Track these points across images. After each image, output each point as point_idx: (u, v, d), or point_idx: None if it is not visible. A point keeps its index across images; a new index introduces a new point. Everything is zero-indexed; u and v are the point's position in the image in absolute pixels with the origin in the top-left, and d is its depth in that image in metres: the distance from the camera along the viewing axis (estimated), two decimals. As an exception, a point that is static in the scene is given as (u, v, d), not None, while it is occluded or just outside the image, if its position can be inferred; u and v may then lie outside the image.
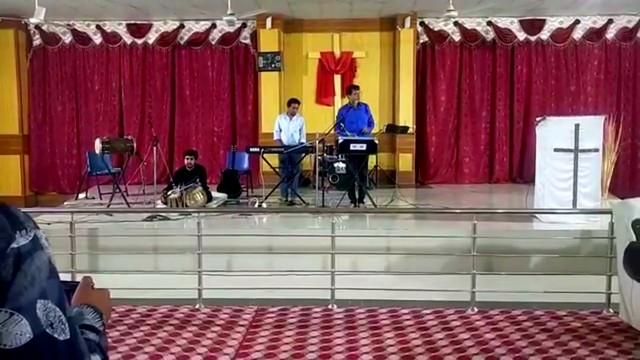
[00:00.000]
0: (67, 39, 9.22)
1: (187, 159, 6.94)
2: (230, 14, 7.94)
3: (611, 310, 4.09)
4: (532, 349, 3.49)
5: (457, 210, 5.74)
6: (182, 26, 9.15)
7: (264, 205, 6.63)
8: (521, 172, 9.13)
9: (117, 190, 6.82)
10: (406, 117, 8.86)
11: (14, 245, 0.72)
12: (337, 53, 9.16)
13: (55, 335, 0.73)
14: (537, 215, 5.84)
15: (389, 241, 5.25)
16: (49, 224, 5.64)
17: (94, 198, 7.55)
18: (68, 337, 0.75)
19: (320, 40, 9.17)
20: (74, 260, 4.40)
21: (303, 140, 7.27)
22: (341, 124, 6.86)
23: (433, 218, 6.09)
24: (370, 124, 6.93)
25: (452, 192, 8.21)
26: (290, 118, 7.44)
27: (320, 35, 9.16)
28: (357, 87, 7.08)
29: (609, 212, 4.24)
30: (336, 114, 7.62)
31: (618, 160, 7.81)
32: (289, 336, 3.72)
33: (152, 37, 9.21)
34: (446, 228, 5.44)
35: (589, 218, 5.43)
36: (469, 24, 9.09)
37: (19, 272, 0.72)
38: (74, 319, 0.87)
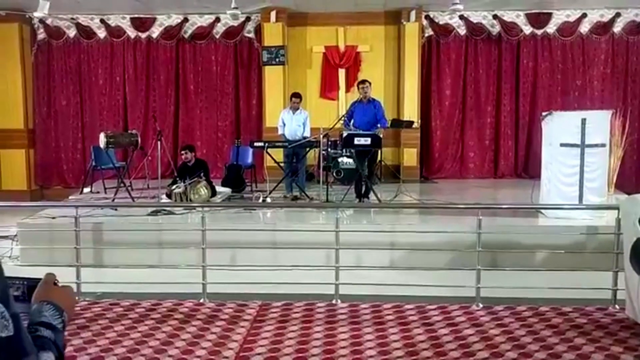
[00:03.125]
0: (72, 33, 9.21)
1: (183, 154, 6.92)
2: (235, 8, 7.91)
3: (617, 306, 4.07)
4: (537, 345, 3.47)
5: (462, 206, 5.71)
6: (186, 20, 9.13)
7: (268, 200, 6.62)
8: (526, 167, 9.08)
9: (122, 185, 6.82)
10: (411, 111, 8.82)
11: None
12: (342, 47, 9.11)
13: None
14: (542, 210, 5.81)
15: (393, 236, 5.24)
16: (53, 218, 5.67)
17: (98, 192, 7.57)
18: (11, 333, 0.74)
19: (324, 34, 9.12)
20: (78, 255, 4.41)
21: (307, 134, 7.25)
22: (349, 120, 6.82)
23: (438, 213, 6.07)
24: (381, 121, 6.79)
25: (457, 187, 8.18)
26: (294, 112, 7.41)
27: (325, 29, 9.11)
28: (364, 82, 7.03)
29: (616, 207, 4.21)
30: (347, 108, 7.57)
31: (624, 156, 7.74)
32: (293, 331, 3.72)
33: (156, 31, 9.18)
34: (451, 223, 5.42)
35: (594, 214, 5.40)
36: (474, 17, 9.02)
37: None
38: (32, 315, 0.88)
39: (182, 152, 6.98)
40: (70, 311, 0.97)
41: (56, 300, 0.96)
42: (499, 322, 3.85)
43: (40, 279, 1.02)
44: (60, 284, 1.02)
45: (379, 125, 6.77)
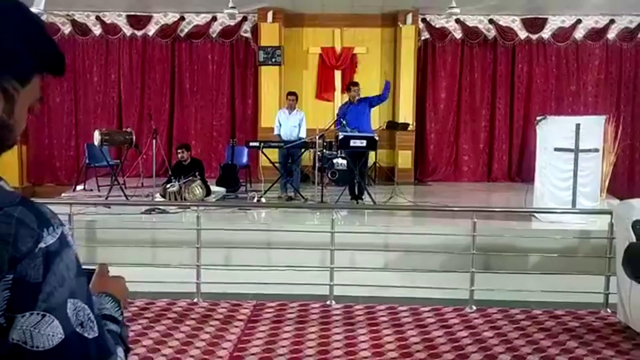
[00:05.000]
0: (67, 29, 9.15)
1: (179, 152, 6.91)
2: (232, 7, 7.90)
3: (609, 310, 4.11)
4: (530, 347, 3.49)
5: (457, 208, 5.73)
6: (182, 19, 9.10)
7: (263, 200, 6.61)
8: (520, 171, 9.14)
9: (116, 183, 6.79)
10: (406, 114, 8.85)
11: (42, 244, 0.70)
12: (338, 48, 9.13)
13: (85, 334, 0.72)
14: (535, 214, 5.85)
15: (387, 238, 5.25)
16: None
17: (92, 190, 7.52)
18: (96, 334, 0.74)
19: (321, 35, 9.13)
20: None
21: (303, 135, 7.25)
22: (342, 120, 6.84)
23: (432, 215, 6.09)
24: (384, 94, 6.98)
25: (451, 190, 8.21)
26: (290, 112, 7.41)
27: (321, 30, 9.12)
28: (356, 84, 7.06)
29: (609, 212, 4.24)
30: (336, 111, 7.60)
31: (617, 161, 7.82)
32: (287, 331, 3.72)
33: (152, 29, 9.15)
34: (445, 226, 5.44)
35: (587, 218, 5.44)
36: (470, 21, 9.07)
37: (49, 273, 0.70)
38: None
39: (179, 150, 6.96)
40: (125, 303, 0.96)
41: (113, 292, 0.95)
42: (492, 324, 3.88)
43: (91, 269, 0.99)
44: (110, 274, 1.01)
45: (383, 96, 6.96)
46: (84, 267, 0.98)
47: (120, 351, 0.82)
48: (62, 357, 0.70)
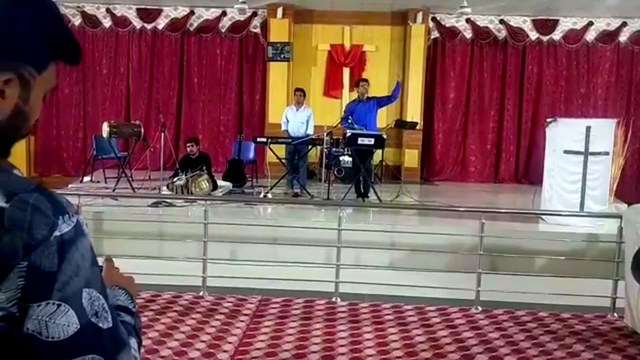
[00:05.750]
0: (77, 21, 9.16)
1: (189, 146, 6.92)
2: (242, 2, 7.90)
3: (616, 314, 4.08)
4: (536, 350, 3.48)
5: (464, 209, 5.71)
6: (192, 12, 9.09)
7: (269, 195, 6.61)
8: (527, 172, 9.09)
9: (123, 175, 6.80)
10: (414, 113, 8.81)
11: (57, 232, 0.69)
12: (347, 46, 9.10)
13: (100, 324, 0.71)
14: (543, 216, 5.82)
15: (393, 237, 5.23)
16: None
17: (99, 182, 7.55)
18: (111, 325, 0.73)
19: (330, 32, 9.10)
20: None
21: (310, 132, 7.24)
22: (349, 117, 6.83)
23: (438, 215, 6.07)
24: (394, 93, 6.97)
25: (457, 190, 8.18)
26: (297, 109, 7.40)
27: (331, 27, 9.09)
28: (365, 80, 7.05)
29: (619, 216, 4.22)
30: (344, 107, 7.60)
31: (625, 165, 7.77)
32: (292, 327, 3.72)
33: (161, 23, 9.15)
34: (451, 226, 5.42)
35: (595, 221, 5.40)
36: (481, 21, 9.02)
37: (65, 262, 0.69)
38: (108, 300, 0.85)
39: (188, 144, 6.96)
40: (134, 298, 0.95)
41: (125, 285, 0.95)
42: (498, 326, 3.86)
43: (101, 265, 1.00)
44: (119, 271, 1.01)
45: (393, 96, 6.96)
46: None
47: (133, 342, 0.82)
48: (77, 347, 0.69)
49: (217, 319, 3.80)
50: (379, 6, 8.68)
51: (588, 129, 5.38)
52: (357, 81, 7.19)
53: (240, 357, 3.27)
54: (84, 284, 0.71)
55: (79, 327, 0.69)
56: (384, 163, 8.42)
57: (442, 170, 9.26)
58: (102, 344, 0.71)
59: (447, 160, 9.28)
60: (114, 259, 1.04)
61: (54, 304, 0.68)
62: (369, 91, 6.93)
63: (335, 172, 7.80)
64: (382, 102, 6.96)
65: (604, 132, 5.50)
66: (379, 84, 8.40)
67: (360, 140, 6.44)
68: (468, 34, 9.07)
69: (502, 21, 8.98)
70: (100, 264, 0.99)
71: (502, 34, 9.03)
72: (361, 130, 6.64)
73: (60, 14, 0.77)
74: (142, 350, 3.26)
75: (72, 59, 0.80)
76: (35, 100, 0.77)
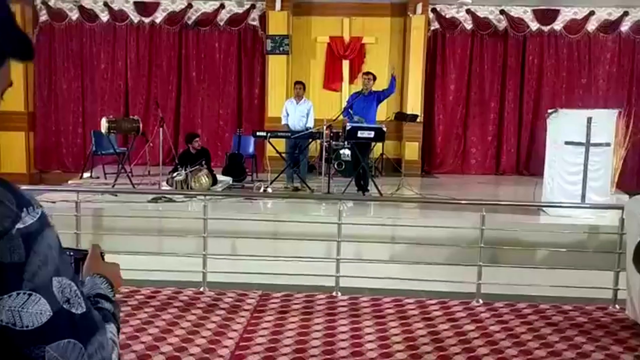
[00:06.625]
0: (74, 15, 9.10)
1: (196, 141, 6.90)
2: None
3: (617, 306, 4.07)
4: (538, 342, 3.47)
5: (465, 201, 5.69)
6: (190, 6, 9.03)
7: (269, 190, 6.59)
8: (528, 164, 9.06)
9: (122, 171, 6.78)
10: (414, 105, 8.77)
11: (20, 225, 0.70)
12: (347, 38, 9.03)
13: (73, 310, 0.74)
14: (544, 208, 5.80)
15: (394, 230, 5.22)
16: (54, 202, 5.63)
17: (98, 177, 7.53)
18: (84, 310, 0.75)
19: (329, 24, 9.03)
20: (78, 240, 4.39)
21: (310, 125, 7.21)
22: (350, 110, 6.80)
23: (439, 208, 6.05)
24: (390, 89, 6.93)
25: (458, 183, 8.16)
26: (297, 102, 7.37)
27: (330, 19, 9.02)
28: (368, 73, 7.02)
29: (620, 207, 4.19)
30: (347, 99, 7.60)
31: (626, 156, 7.73)
32: (293, 322, 3.71)
33: (159, 17, 9.09)
34: (452, 219, 5.40)
35: (597, 213, 5.38)
36: (481, 12, 8.94)
37: (32, 252, 0.71)
38: (87, 287, 0.89)
39: (195, 139, 6.92)
40: (117, 287, 0.98)
41: (106, 274, 0.97)
42: (499, 318, 3.85)
43: (83, 250, 1.02)
44: (106, 258, 1.03)
45: (390, 90, 6.93)
46: (77, 249, 0.99)
47: (112, 327, 0.84)
48: (51, 334, 0.71)
49: (217, 315, 3.79)
50: (378, -2, 8.62)
51: (589, 119, 5.34)
52: (363, 73, 7.23)
53: (241, 352, 3.26)
54: (54, 272, 0.73)
55: (51, 314, 0.71)
56: (384, 156, 8.39)
57: (443, 162, 9.23)
58: (77, 328, 0.73)
59: (448, 152, 9.24)
60: (104, 250, 1.04)
61: (24, 294, 0.70)
62: (370, 85, 6.89)
63: (336, 166, 7.77)
64: (381, 96, 6.94)
65: (605, 123, 5.46)
66: (379, 76, 8.32)
67: (360, 133, 6.42)
68: (468, 25, 9.00)
69: (502, 12, 8.90)
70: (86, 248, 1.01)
71: (503, 24, 8.96)
72: (361, 121, 6.61)
73: (11, 11, 0.78)
74: (143, 346, 3.26)
75: (25, 56, 0.80)
76: None
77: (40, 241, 0.72)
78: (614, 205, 5.05)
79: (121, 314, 3.20)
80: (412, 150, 8.83)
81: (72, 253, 1.00)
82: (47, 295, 0.71)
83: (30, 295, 0.70)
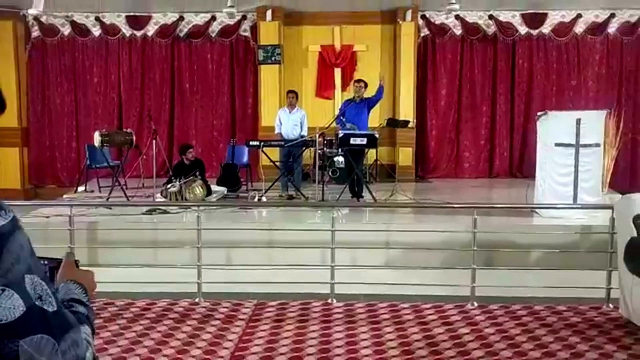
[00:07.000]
0: (66, 30, 9.15)
1: (190, 152, 6.93)
2: (230, 6, 7.90)
3: (611, 305, 4.09)
4: (532, 343, 3.49)
5: (458, 205, 5.72)
6: (181, 18, 9.09)
7: (264, 199, 6.61)
8: (521, 166, 9.11)
9: (117, 184, 6.79)
10: (407, 111, 8.83)
11: None
12: (338, 46, 9.11)
13: (45, 307, 0.77)
14: (537, 210, 5.83)
15: (388, 235, 5.24)
16: (47, 217, 5.64)
17: (93, 191, 7.53)
18: (55, 308, 0.79)
19: (320, 33, 9.11)
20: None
21: (304, 133, 7.25)
22: (342, 117, 6.85)
23: (433, 212, 6.08)
24: (378, 94, 6.97)
25: (452, 187, 8.20)
26: (290, 111, 7.42)
27: (321, 28, 9.10)
28: (360, 81, 7.08)
29: (610, 207, 4.23)
30: (339, 106, 7.65)
31: (618, 155, 7.79)
32: (288, 330, 3.72)
33: (151, 30, 9.15)
34: (446, 223, 5.43)
35: (589, 213, 5.42)
36: (470, 17, 9.04)
37: (5, 250, 0.75)
38: (61, 293, 0.93)
39: (189, 150, 6.95)
40: (91, 293, 1.01)
41: (80, 280, 1.00)
42: (494, 321, 3.87)
43: (57, 259, 1.05)
44: (80, 266, 1.06)
45: (377, 96, 6.97)
46: (51, 258, 1.03)
47: (86, 329, 0.87)
48: (25, 328, 0.74)
49: (213, 325, 3.79)
50: (368, 5, 8.70)
51: (578, 121, 5.39)
52: (355, 81, 7.28)
53: (237, 362, 3.26)
54: (26, 270, 0.77)
55: (24, 309, 0.74)
56: (378, 162, 8.43)
57: (436, 167, 9.28)
58: (49, 325, 0.77)
59: (442, 157, 9.29)
60: (79, 259, 1.07)
61: None
62: (361, 92, 6.95)
63: (330, 173, 7.80)
64: (371, 103, 6.99)
65: (594, 123, 5.52)
66: (370, 83, 8.39)
67: (352, 140, 6.46)
68: (458, 31, 9.09)
69: (491, 16, 9.00)
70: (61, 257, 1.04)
71: (492, 29, 9.05)
72: (353, 129, 6.65)
73: None
74: (138, 359, 3.26)
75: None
76: None
77: (12, 241, 0.76)
78: (604, 205, 5.09)
79: (117, 327, 3.21)
80: (405, 156, 8.88)
81: (46, 262, 1.03)
82: (19, 291, 0.75)
83: (3, 290, 0.73)
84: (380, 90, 7.04)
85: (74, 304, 0.92)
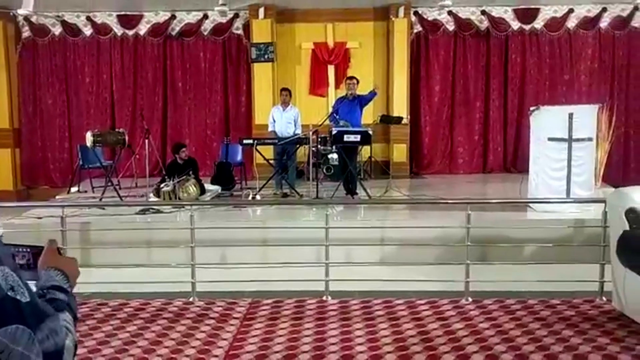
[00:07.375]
0: (57, 30, 9.08)
1: (183, 152, 6.90)
2: (222, 4, 7.87)
3: (604, 298, 4.11)
4: (526, 338, 3.49)
5: (451, 201, 5.73)
6: (173, 17, 9.04)
7: (258, 197, 6.59)
8: (515, 161, 9.13)
9: (110, 184, 6.76)
10: (400, 107, 8.83)
11: None
12: (331, 43, 9.09)
13: (18, 297, 0.77)
14: (531, 204, 5.85)
15: (383, 232, 5.24)
16: (40, 218, 5.61)
17: (86, 191, 7.50)
18: (29, 299, 0.79)
19: (313, 30, 9.09)
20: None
21: (298, 131, 7.24)
22: (335, 114, 6.84)
23: (427, 208, 6.08)
24: (370, 94, 6.99)
25: (446, 183, 8.21)
26: (284, 108, 7.41)
27: (314, 26, 9.07)
28: (352, 78, 7.07)
29: (603, 201, 4.24)
30: (332, 103, 7.64)
31: (611, 149, 7.82)
32: (283, 328, 3.71)
33: (143, 29, 9.09)
34: (440, 218, 5.43)
35: (582, 207, 5.44)
36: (463, 13, 9.04)
37: None
38: (42, 280, 0.93)
39: (182, 149, 6.92)
40: (73, 280, 1.01)
41: (62, 267, 1.01)
42: (488, 315, 3.88)
43: (39, 246, 1.06)
44: (63, 252, 1.07)
45: (370, 95, 6.97)
46: (33, 245, 1.03)
47: (66, 316, 0.87)
48: None
49: (207, 324, 3.78)
50: (361, 2, 8.68)
51: (571, 115, 5.41)
52: (346, 78, 7.24)
53: (231, 360, 3.26)
54: None
55: None
56: (373, 159, 8.43)
57: (431, 163, 9.29)
58: (23, 315, 0.77)
59: (436, 153, 9.30)
60: (63, 247, 1.07)
61: None
62: (356, 89, 6.94)
63: (324, 170, 7.79)
64: (363, 101, 6.98)
65: (587, 118, 5.53)
66: (363, 80, 8.38)
67: (346, 137, 6.45)
68: (450, 27, 9.09)
69: (483, 12, 9.01)
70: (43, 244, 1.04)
71: (484, 24, 9.06)
72: (346, 126, 6.65)
73: None
74: (132, 359, 3.24)
75: None
76: None
77: None
78: (596, 199, 5.11)
79: (110, 327, 3.20)
80: (400, 152, 8.89)
81: (28, 249, 1.03)
82: None
83: None
84: (372, 93, 7.04)
85: (54, 291, 0.93)
